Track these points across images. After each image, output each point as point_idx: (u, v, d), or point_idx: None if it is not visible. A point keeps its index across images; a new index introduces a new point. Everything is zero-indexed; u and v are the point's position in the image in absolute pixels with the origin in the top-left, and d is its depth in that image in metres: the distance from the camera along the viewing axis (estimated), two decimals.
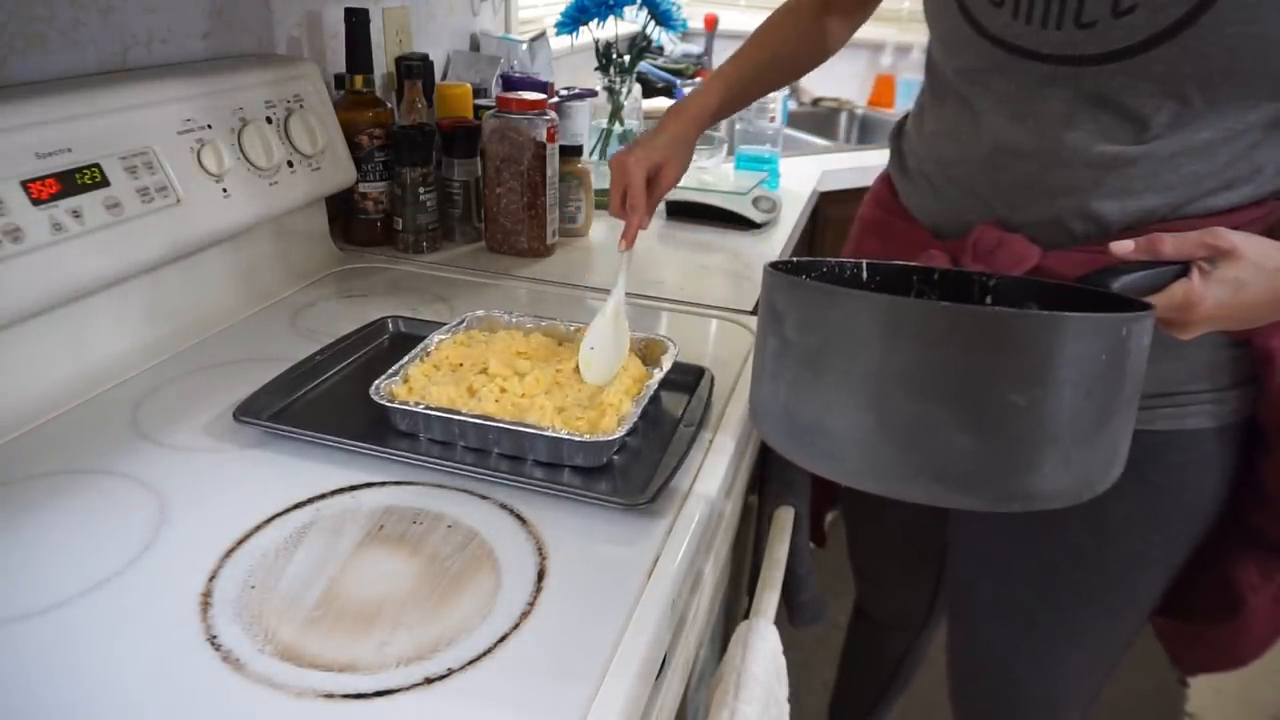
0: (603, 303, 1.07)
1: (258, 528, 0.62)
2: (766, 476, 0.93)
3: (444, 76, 1.56)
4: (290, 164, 0.99)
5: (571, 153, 1.25)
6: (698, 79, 2.33)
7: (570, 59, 2.03)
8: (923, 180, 0.82)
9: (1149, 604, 0.84)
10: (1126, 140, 0.66)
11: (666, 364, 0.79)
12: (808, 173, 1.70)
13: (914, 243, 0.80)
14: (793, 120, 2.20)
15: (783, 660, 0.72)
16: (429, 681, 0.51)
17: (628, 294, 1.08)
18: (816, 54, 0.97)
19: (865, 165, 1.78)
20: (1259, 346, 0.69)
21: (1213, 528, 0.80)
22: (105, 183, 0.79)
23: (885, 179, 0.92)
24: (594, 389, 0.77)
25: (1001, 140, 0.72)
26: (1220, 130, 0.64)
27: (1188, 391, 0.72)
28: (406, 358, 0.78)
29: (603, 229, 1.34)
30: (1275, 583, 0.79)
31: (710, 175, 1.51)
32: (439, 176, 1.18)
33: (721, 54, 2.58)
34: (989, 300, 0.66)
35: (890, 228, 0.85)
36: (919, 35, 0.82)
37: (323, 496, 0.66)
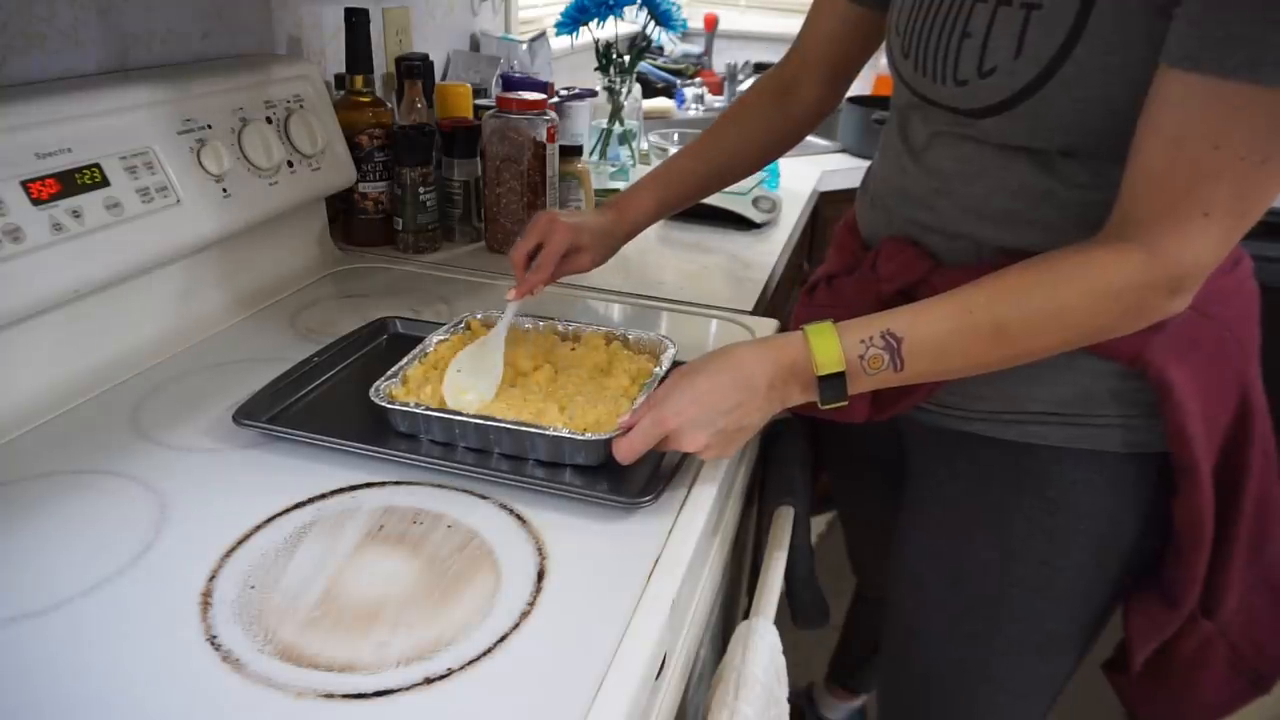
0: (600, 303, 1.07)
1: (258, 528, 0.62)
2: (766, 476, 0.93)
3: (444, 76, 1.56)
4: (290, 164, 0.99)
5: (571, 153, 1.25)
6: (698, 79, 2.33)
7: (570, 59, 2.03)
8: (865, 195, 0.86)
9: (1071, 645, 0.81)
10: (1021, 187, 0.69)
11: (666, 363, 0.79)
12: (808, 173, 1.70)
13: (852, 254, 0.84)
14: None
15: (782, 660, 0.72)
16: (429, 681, 0.51)
17: (636, 294, 1.08)
18: (779, 142, 0.96)
19: (865, 166, 1.78)
20: (1155, 377, 0.68)
21: (1136, 570, 0.78)
22: (105, 183, 0.79)
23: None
24: (595, 389, 0.77)
25: (906, 167, 0.77)
26: (1083, 181, 0.67)
27: (1087, 413, 0.72)
28: (406, 359, 0.78)
29: None
30: (1162, 639, 0.77)
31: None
32: (439, 176, 1.18)
33: (721, 54, 2.59)
34: None
35: (843, 240, 0.88)
36: None
37: (323, 497, 0.66)
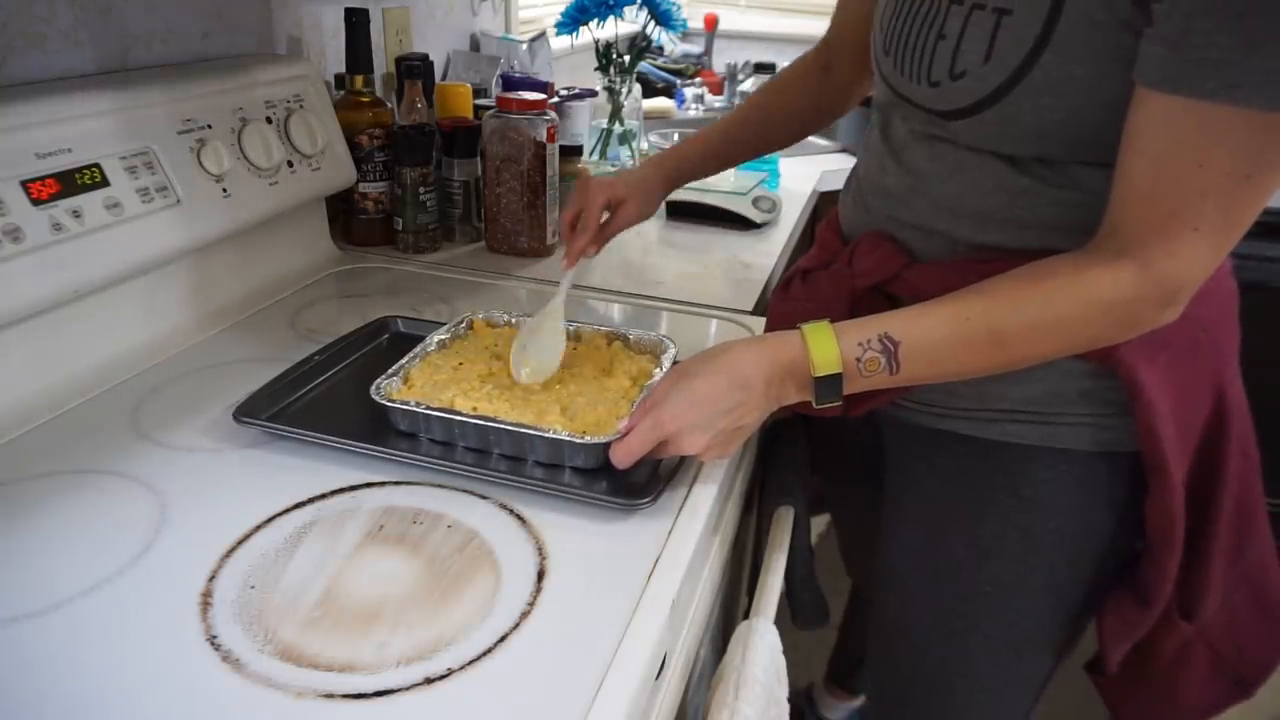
0: (600, 303, 1.08)
1: (258, 528, 0.62)
2: (766, 478, 0.93)
3: (444, 76, 1.56)
4: (290, 164, 0.99)
5: (571, 153, 1.25)
6: (698, 79, 2.33)
7: (570, 59, 2.03)
8: (847, 193, 0.86)
9: (1048, 645, 0.81)
10: (995, 186, 0.69)
11: (666, 364, 0.79)
12: (808, 173, 1.69)
13: (832, 251, 0.84)
14: None
15: (782, 660, 0.72)
16: (429, 681, 0.51)
17: (636, 294, 1.08)
18: (818, 115, 0.99)
19: None
20: (1126, 376, 0.68)
21: (1111, 570, 0.77)
22: (105, 183, 0.79)
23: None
24: (597, 389, 0.77)
25: (886, 164, 0.77)
26: (1062, 184, 0.67)
27: (1058, 412, 0.72)
28: (406, 358, 0.78)
29: None
30: (1135, 639, 0.77)
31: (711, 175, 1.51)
32: (439, 176, 1.18)
33: (721, 54, 2.59)
34: None
35: (825, 237, 0.88)
36: None
37: (323, 496, 0.66)
